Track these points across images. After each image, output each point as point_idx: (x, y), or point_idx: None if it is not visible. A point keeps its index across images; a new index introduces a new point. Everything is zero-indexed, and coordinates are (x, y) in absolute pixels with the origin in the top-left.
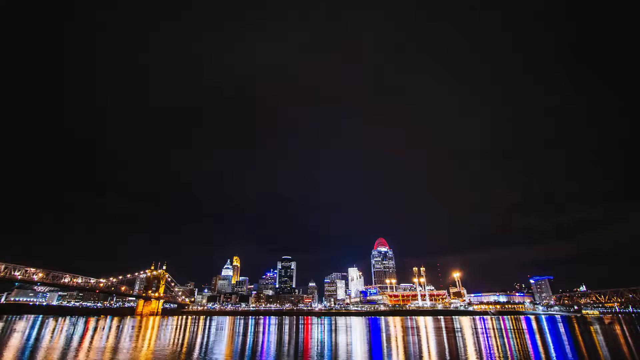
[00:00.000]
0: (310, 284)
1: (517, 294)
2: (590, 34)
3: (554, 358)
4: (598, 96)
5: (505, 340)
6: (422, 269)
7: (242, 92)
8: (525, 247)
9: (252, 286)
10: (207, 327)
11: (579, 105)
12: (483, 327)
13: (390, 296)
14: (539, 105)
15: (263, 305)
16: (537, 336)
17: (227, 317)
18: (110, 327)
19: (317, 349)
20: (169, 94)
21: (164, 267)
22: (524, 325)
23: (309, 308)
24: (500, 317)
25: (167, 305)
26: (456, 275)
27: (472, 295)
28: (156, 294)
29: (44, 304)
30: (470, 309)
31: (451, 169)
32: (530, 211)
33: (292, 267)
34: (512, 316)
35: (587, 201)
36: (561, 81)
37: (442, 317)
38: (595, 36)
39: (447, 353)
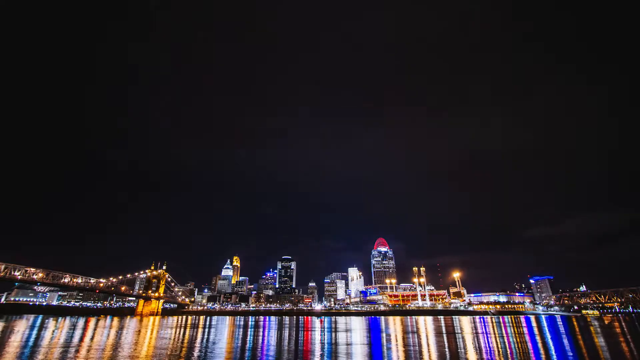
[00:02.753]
0: (310, 284)
1: (517, 294)
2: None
3: (554, 358)
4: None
5: (506, 340)
6: (422, 269)
7: (243, 92)
8: (525, 248)
9: (252, 286)
10: (207, 327)
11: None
12: (483, 327)
13: (390, 296)
14: (542, 105)
15: (263, 305)
16: (537, 336)
17: (227, 317)
18: (110, 327)
19: (317, 349)
20: (170, 96)
21: (164, 267)
22: (524, 325)
23: (309, 308)
24: (500, 317)
25: (167, 305)
26: (456, 275)
27: (472, 295)
28: (156, 294)
29: (44, 304)
30: (470, 309)
31: (451, 169)
32: (531, 212)
33: (292, 267)
34: (512, 316)
35: (587, 202)
36: (574, 80)
37: (442, 317)
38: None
39: (447, 353)
